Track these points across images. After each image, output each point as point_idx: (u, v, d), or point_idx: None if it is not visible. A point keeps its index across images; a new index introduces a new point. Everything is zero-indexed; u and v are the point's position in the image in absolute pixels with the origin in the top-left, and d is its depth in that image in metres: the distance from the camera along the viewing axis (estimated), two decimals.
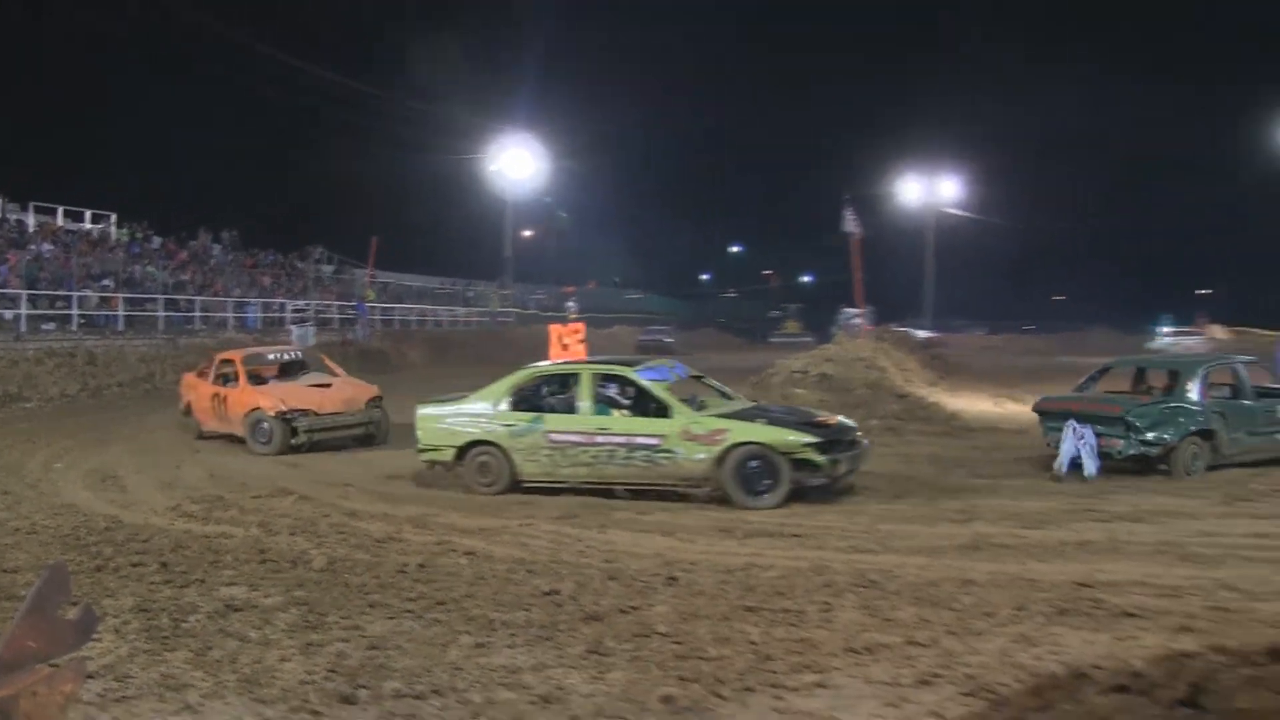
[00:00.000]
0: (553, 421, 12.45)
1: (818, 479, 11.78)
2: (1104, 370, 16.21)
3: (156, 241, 38.44)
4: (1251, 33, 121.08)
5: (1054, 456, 13.55)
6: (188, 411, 18.25)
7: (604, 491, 12.05)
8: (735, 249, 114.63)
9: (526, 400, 12.88)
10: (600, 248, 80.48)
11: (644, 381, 12.73)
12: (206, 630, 6.79)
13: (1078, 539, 9.64)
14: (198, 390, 17.91)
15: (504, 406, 12.67)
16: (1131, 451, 13.49)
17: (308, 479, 13.32)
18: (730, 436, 11.86)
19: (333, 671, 5.93)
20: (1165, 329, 56.17)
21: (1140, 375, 16.11)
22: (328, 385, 17.54)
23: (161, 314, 32.90)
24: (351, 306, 42.31)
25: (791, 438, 11.76)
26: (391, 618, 7.09)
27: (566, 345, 14.14)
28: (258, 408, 16.39)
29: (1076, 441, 13.40)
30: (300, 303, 40.21)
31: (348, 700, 5.48)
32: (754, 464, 11.66)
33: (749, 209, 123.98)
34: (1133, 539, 9.65)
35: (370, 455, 15.68)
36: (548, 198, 65.24)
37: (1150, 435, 13.40)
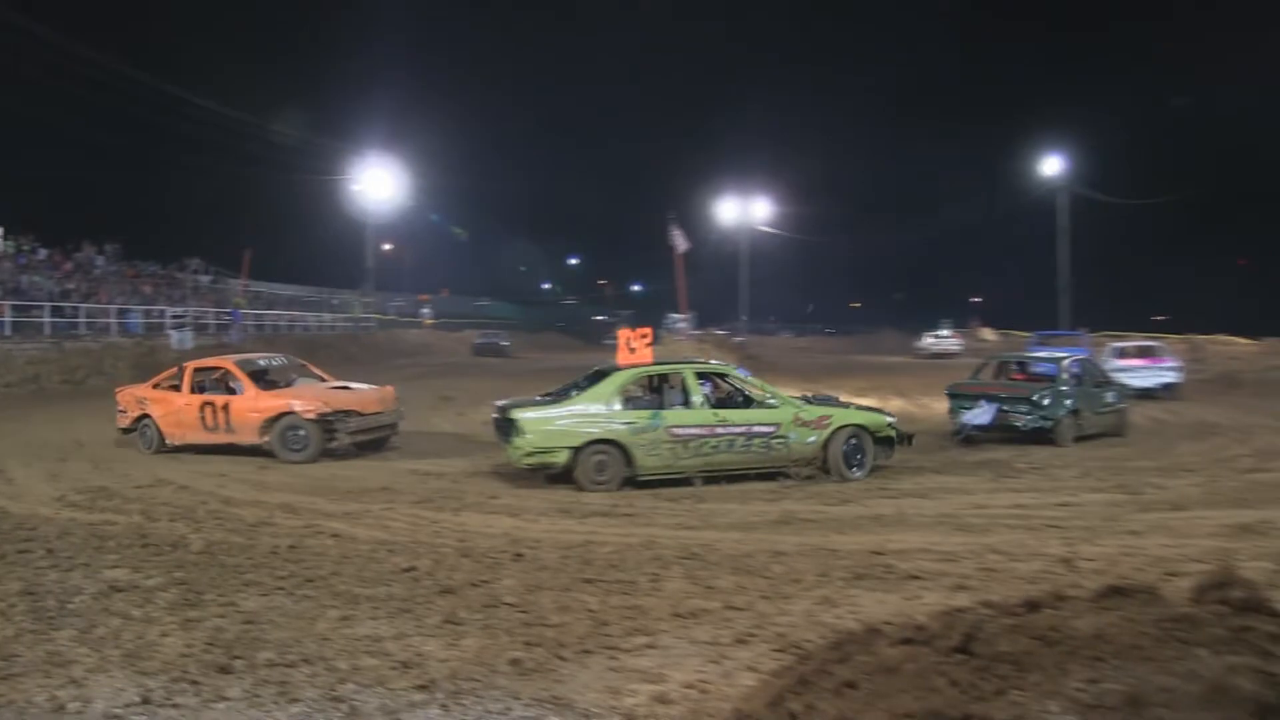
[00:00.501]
0: (672, 417, 12.13)
1: (889, 453, 12.93)
2: (984, 364, 19.37)
3: (43, 253, 37.00)
4: (1011, 80, 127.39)
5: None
6: (131, 428, 15.33)
7: (455, 482, 12.10)
8: (573, 261, 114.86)
9: (634, 400, 12.52)
10: (453, 259, 79.77)
11: (746, 379, 13.27)
12: (91, 610, 6.59)
13: (872, 514, 10.04)
14: (166, 402, 15.00)
15: (617, 406, 12.10)
16: (1034, 425, 15.90)
17: (187, 471, 12.95)
18: (834, 421, 12.61)
19: (211, 644, 5.84)
20: (943, 331, 58.54)
21: (1003, 367, 19.12)
22: (349, 387, 15.62)
23: (48, 320, 31.75)
24: (226, 313, 41.59)
25: (880, 419, 12.96)
26: (264, 594, 7.00)
27: (634, 349, 14.06)
28: (288, 412, 14.17)
29: (982, 414, 15.99)
30: (179, 309, 39.22)
31: (224, 670, 5.40)
32: (852, 443, 12.55)
33: (587, 225, 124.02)
34: (918, 513, 10.11)
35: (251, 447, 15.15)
36: (434, 215, 65.33)
37: (1047, 412, 15.81)
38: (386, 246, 68.57)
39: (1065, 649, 2.93)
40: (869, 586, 7.24)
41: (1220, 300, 56.34)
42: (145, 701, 5.00)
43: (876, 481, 12.09)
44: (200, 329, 37.80)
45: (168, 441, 14.93)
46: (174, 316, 37.47)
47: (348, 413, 14.33)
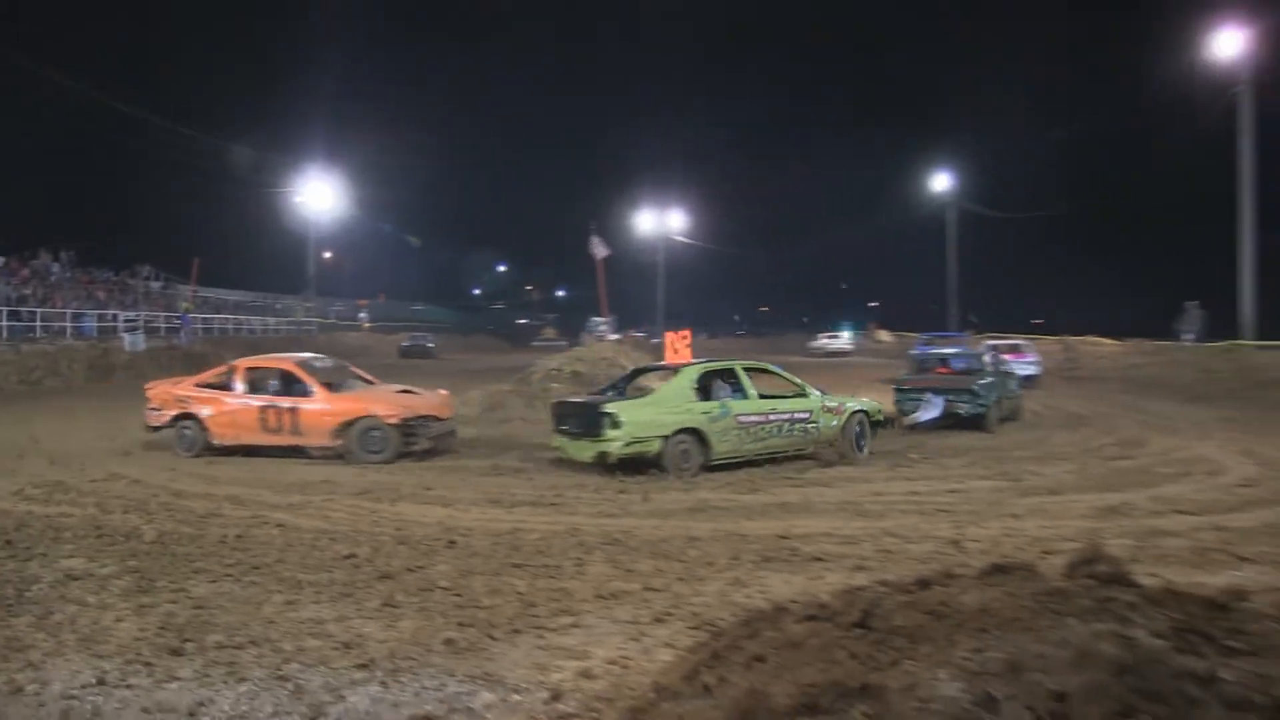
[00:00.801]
0: (737, 406, 12.56)
1: (875, 434, 14.03)
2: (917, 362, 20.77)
3: (1, 260, 36.14)
4: (910, 103, 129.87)
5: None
6: (163, 427, 14.18)
7: (394, 474, 12.01)
8: (502, 268, 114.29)
9: (702, 391, 12.74)
10: (389, 266, 78.95)
11: (784, 373, 14.07)
12: (48, 598, 6.46)
13: (779, 501, 10.16)
14: (217, 402, 13.86)
15: (694, 398, 12.47)
16: (973, 412, 17.21)
17: (139, 465, 12.66)
18: (847, 408, 13.62)
19: (163, 628, 5.76)
20: (841, 332, 59.68)
21: (928, 362, 20.35)
22: (412, 391, 14.94)
23: (5, 324, 31.32)
24: (177, 317, 41.01)
25: (875, 406, 14.18)
26: (213, 581, 6.91)
27: (678, 349, 14.06)
28: (368, 415, 13.40)
29: (928, 405, 17.20)
30: (131, 314, 38.55)
31: (176, 652, 5.33)
32: (859, 427, 13.58)
33: (515, 234, 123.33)
34: (821, 500, 10.26)
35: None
36: (388, 225, 64.81)
37: (984, 400, 17.24)
38: (327, 254, 68.06)
39: (953, 622, 3.01)
40: (776, 568, 7.34)
41: (1090, 305, 57.69)
42: (100, 683, 4.93)
43: (783, 472, 12.23)
44: (151, 332, 37.26)
45: (215, 442, 13.75)
46: (126, 320, 36.91)
47: (427, 418, 13.81)
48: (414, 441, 13.50)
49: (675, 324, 77.30)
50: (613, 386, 14.02)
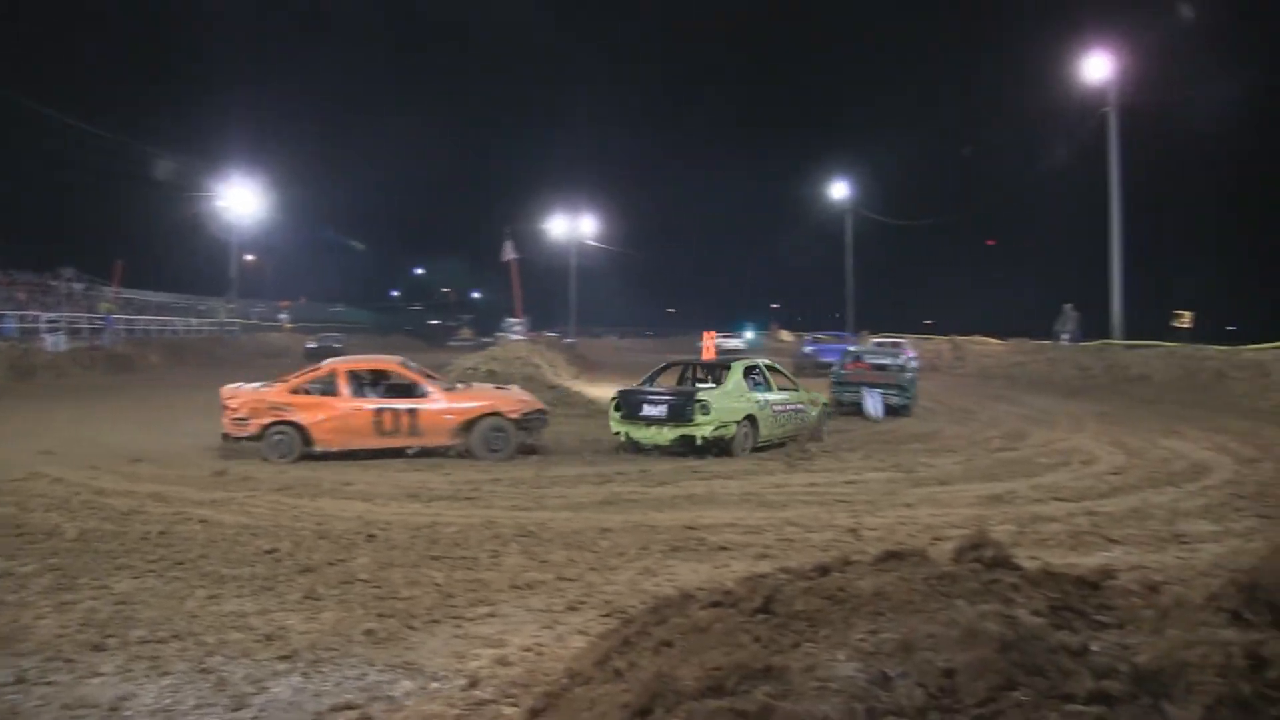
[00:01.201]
0: (770, 397, 13.91)
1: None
2: (845, 360, 21.76)
3: None
4: (815, 117, 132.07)
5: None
6: (253, 437, 12.78)
7: (315, 469, 11.82)
8: (419, 271, 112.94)
9: (746, 383, 13.80)
10: (310, 268, 77.40)
11: (786, 371, 15.53)
12: None
13: (686, 493, 10.22)
14: (323, 407, 12.78)
15: (748, 389, 13.63)
16: (902, 403, 18.97)
17: (60, 464, 12.14)
18: (820, 398, 15.45)
19: (84, 625, 5.57)
20: (746, 333, 60.61)
21: (852, 358, 21.85)
22: (506, 389, 14.57)
23: None
24: (99, 318, 39.71)
25: (824, 398, 15.98)
26: (136, 577, 6.70)
27: (708, 346, 14.99)
28: (493, 413, 13.02)
29: (871, 398, 18.54)
30: (53, 315, 37.27)
31: (98, 648, 5.17)
32: (826, 415, 15.35)
33: (432, 237, 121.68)
34: (726, 492, 10.34)
35: (122, 441, 14.33)
36: (329, 230, 63.91)
37: (909, 393, 19.34)
38: (249, 257, 66.70)
39: (851, 606, 3.06)
40: (684, 558, 7.40)
41: (977, 307, 59.10)
42: (20, 681, 4.75)
43: (687, 463, 12.30)
44: (74, 333, 36.06)
45: (317, 448, 12.70)
46: (48, 321, 35.67)
47: (540, 412, 13.54)
48: (530, 436, 13.31)
49: (588, 325, 77.84)
50: (649, 379, 14.90)
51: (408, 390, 13.25)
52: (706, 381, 14.72)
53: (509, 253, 26.01)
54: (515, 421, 13.03)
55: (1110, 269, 30.98)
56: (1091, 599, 3.07)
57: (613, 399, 13.99)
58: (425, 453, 12.86)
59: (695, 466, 12.05)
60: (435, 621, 5.75)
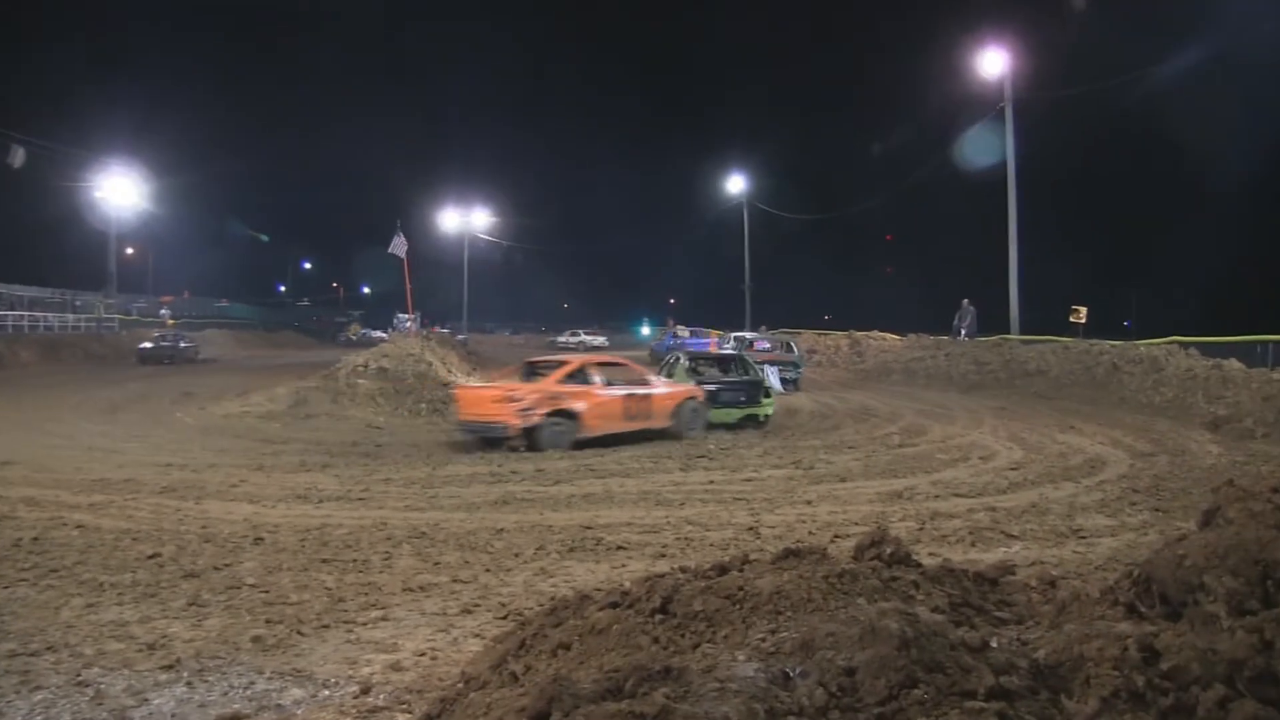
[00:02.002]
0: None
1: None
2: (741, 346, 27.11)
3: None
4: (714, 116, 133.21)
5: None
6: (533, 427, 13.57)
7: (200, 472, 11.51)
8: (307, 265, 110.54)
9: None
10: (195, 261, 74.94)
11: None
12: None
13: (582, 493, 10.19)
14: (590, 396, 14.23)
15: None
16: (794, 378, 25.84)
17: None
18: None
19: None
20: (643, 329, 61.55)
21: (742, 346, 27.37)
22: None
23: None
24: None
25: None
26: (7, 587, 6.41)
27: (715, 343, 20.39)
28: (693, 395, 15.83)
29: (774, 375, 22.95)
30: None
31: None
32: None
33: (320, 230, 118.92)
34: (623, 491, 10.35)
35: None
36: (246, 225, 62.08)
37: (800, 372, 26.64)
38: (130, 250, 64.55)
39: (750, 605, 3.08)
40: (581, 558, 7.39)
41: (875, 302, 60.28)
42: None
43: (583, 461, 12.32)
44: None
45: (584, 435, 13.96)
46: None
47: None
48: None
49: (480, 321, 77.55)
50: (668, 366, 18.41)
51: (638, 380, 15.65)
52: (713, 369, 18.37)
53: (399, 246, 25.61)
54: (703, 403, 15.87)
55: (1009, 264, 31.80)
56: (991, 595, 3.15)
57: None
58: (319, 452, 12.69)
59: (592, 465, 12.06)
60: (326, 627, 5.65)
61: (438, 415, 17.84)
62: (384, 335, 65.59)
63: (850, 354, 37.34)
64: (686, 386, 16.08)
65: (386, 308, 64.58)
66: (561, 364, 15.35)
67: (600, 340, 66.35)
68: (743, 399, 16.76)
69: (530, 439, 13.51)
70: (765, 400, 16.91)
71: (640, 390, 15.08)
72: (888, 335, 38.04)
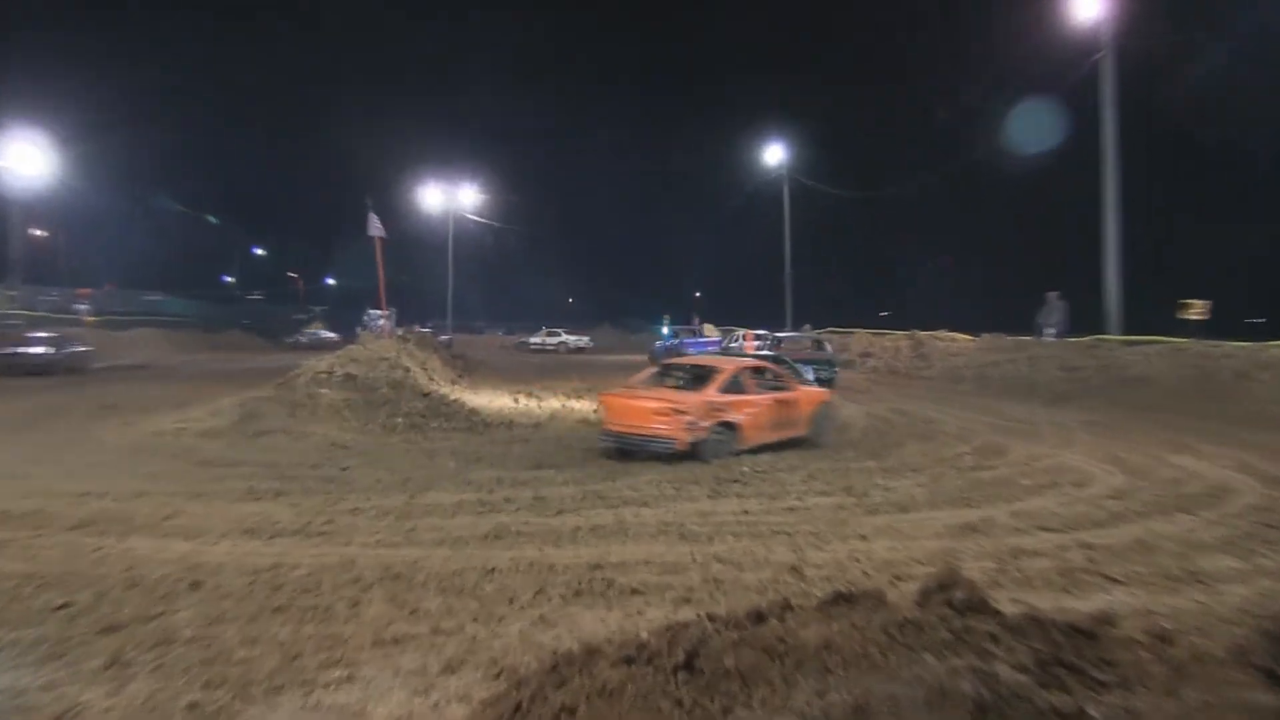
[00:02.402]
0: None
1: None
2: (778, 342, 33.07)
3: None
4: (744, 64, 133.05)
5: None
6: (699, 440, 14.88)
7: (120, 502, 11.54)
8: (259, 251, 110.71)
9: None
10: (119, 247, 75.13)
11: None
12: None
13: (590, 524, 10.19)
14: (749, 404, 15.91)
15: None
16: (829, 376, 28.70)
17: None
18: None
19: None
20: (663, 328, 61.70)
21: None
22: None
23: None
24: None
25: None
26: None
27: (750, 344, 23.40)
28: (827, 401, 17.75)
29: (808, 372, 24.17)
30: None
31: None
32: None
33: (274, 211, 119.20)
34: (638, 522, 10.34)
35: None
36: (186, 205, 62.43)
37: (835, 367, 30.81)
38: (38, 233, 64.67)
39: (793, 661, 3.06)
40: (588, 603, 7.38)
41: (944, 295, 60.18)
42: None
43: (591, 487, 12.32)
44: None
45: (742, 446, 15.44)
46: None
47: None
48: None
49: (468, 319, 77.80)
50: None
51: (782, 384, 17.08)
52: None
53: (375, 227, 25.67)
54: (833, 406, 17.70)
55: (1104, 249, 31.56)
56: (1088, 651, 3.11)
57: None
58: (271, 477, 12.71)
59: (602, 491, 12.05)
60: (279, 689, 5.64)
61: (416, 432, 17.90)
62: (333, 336, 66.43)
63: (912, 357, 37.32)
64: (817, 388, 18.21)
65: (356, 304, 64.78)
66: (712, 370, 16.58)
67: (583, 340, 68.59)
68: None
69: (694, 452, 14.78)
70: None
71: (786, 396, 16.64)
72: (957, 335, 37.96)
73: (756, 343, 37.41)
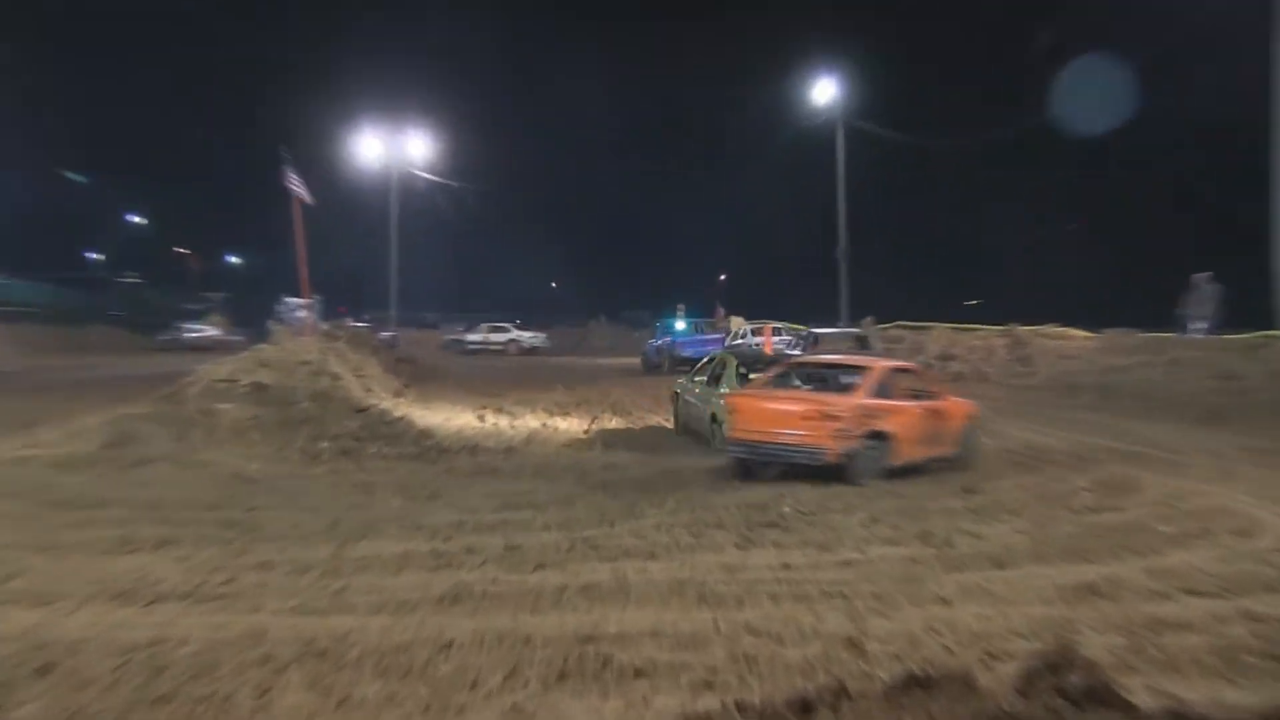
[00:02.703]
0: None
1: None
2: (815, 340, 33.18)
3: None
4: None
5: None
6: (851, 452, 16.28)
7: None
8: (136, 219, 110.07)
9: None
10: None
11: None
12: None
13: (581, 582, 10.17)
14: (903, 413, 17.28)
15: None
16: None
17: None
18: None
19: None
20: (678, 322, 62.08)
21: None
22: None
23: None
24: None
25: None
26: None
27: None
28: (977, 413, 19.13)
29: None
30: None
31: None
32: None
33: (158, 165, 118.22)
34: (644, 579, 10.33)
35: None
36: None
37: None
38: None
39: None
40: (577, 689, 7.37)
41: (1051, 278, 60.14)
42: None
43: (580, 533, 12.38)
44: None
45: (893, 463, 16.66)
46: None
47: None
48: None
49: (419, 310, 78.41)
50: (708, 368, 21.07)
51: (928, 391, 18.34)
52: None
53: (294, 185, 25.60)
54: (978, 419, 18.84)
55: (1273, 219, 31.41)
56: None
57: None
58: (153, 520, 12.79)
59: (594, 539, 12.04)
60: None
61: (348, 460, 17.94)
62: (216, 333, 66.51)
63: (1011, 361, 37.37)
64: (964, 400, 19.03)
65: (268, 290, 64.69)
66: (858, 369, 18.00)
67: (539, 339, 71.82)
68: None
69: (843, 468, 15.99)
70: None
71: (937, 405, 17.92)
72: (1071, 331, 37.92)
73: (777, 341, 37.50)
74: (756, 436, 16.63)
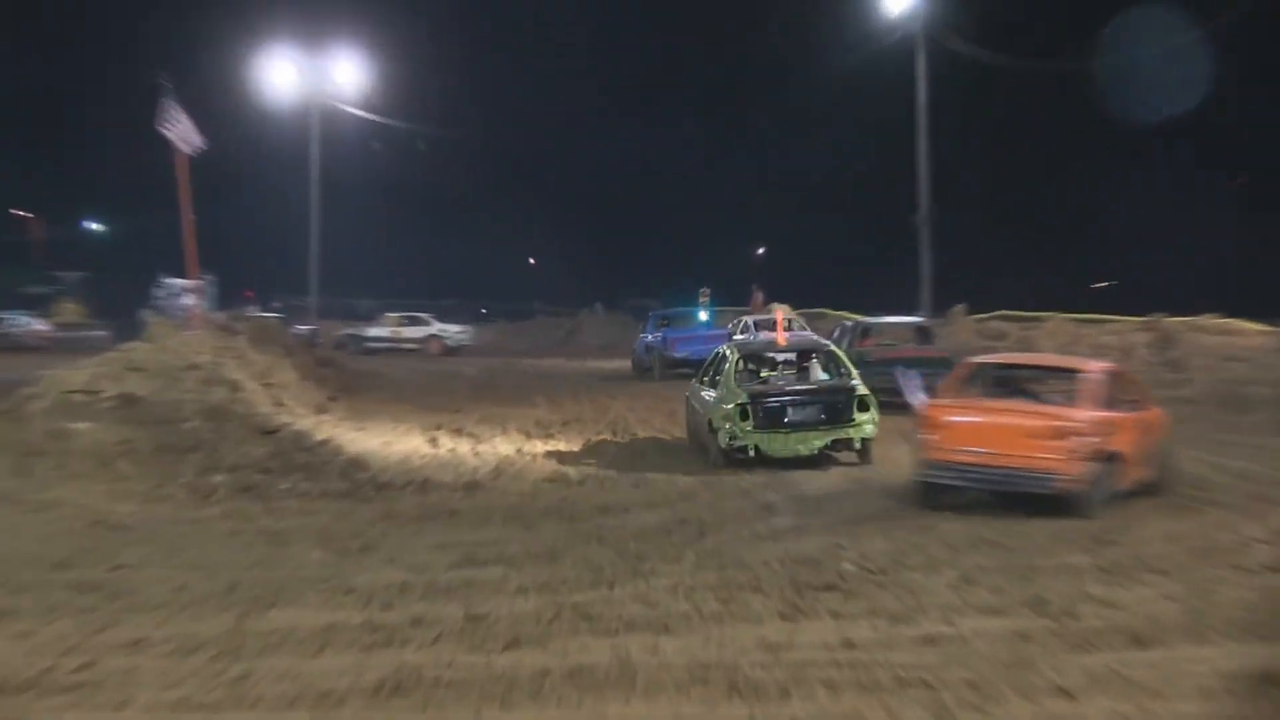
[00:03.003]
0: None
1: None
2: (865, 332, 35.34)
3: None
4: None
5: None
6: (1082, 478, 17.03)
7: None
8: None
9: None
10: None
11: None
12: None
13: (568, 665, 10.15)
14: (1130, 428, 18.23)
15: None
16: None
17: None
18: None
19: None
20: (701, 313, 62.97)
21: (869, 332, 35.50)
22: None
23: None
24: None
25: None
26: None
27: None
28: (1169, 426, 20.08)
29: (904, 381, 24.30)
30: None
31: None
32: None
33: None
34: (656, 661, 10.29)
35: None
36: None
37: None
38: None
39: None
40: None
41: (1205, 253, 60.19)
42: None
43: (573, 597, 12.35)
44: None
45: (1120, 488, 17.69)
46: None
47: None
48: None
49: (352, 295, 78.96)
50: (713, 366, 24.41)
51: (1134, 398, 19.34)
52: (775, 369, 24.49)
53: (174, 127, 25.46)
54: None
55: None
56: None
57: (738, 405, 21.84)
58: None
59: (587, 605, 11.99)
60: None
61: (252, 499, 17.86)
62: (42, 327, 66.05)
63: (1155, 364, 37.22)
64: (1158, 409, 19.90)
65: (141, 268, 64.74)
66: (1073, 371, 19.01)
67: (463, 336, 70.76)
68: (823, 415, 22.31)
69: (1075, 497, 16.87)
70: (861, 415, 22.18)
71: (1147, 415, 19.07)
72: (1237, 324, 37.89)
73: (793, 328, 37.27)
74: (966, 458, 17.07)
